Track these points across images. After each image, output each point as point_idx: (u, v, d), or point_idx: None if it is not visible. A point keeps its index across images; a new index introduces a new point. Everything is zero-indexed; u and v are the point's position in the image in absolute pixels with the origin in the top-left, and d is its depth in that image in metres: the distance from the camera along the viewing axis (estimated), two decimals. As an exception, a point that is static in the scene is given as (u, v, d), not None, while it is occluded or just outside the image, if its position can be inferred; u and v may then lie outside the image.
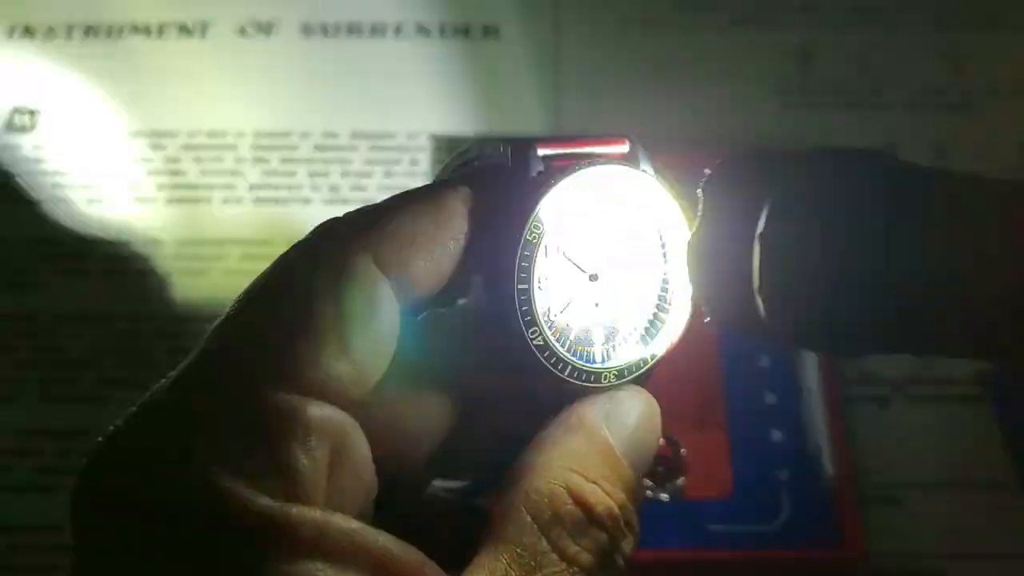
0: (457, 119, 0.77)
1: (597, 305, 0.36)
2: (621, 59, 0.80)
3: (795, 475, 0.60)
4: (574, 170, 0.35)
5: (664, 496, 0.39)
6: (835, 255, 0.30)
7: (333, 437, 0.31)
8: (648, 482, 0.39)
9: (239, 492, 0.29)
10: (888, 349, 0.31)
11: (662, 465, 0.39)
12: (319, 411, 0.31)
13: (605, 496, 0.33)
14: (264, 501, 0.29)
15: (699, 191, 0.34)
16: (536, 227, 0.34)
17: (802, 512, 0.59)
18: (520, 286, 0.34)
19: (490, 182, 0.35)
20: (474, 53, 0.80)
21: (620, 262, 0.36)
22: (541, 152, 0.35)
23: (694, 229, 0.34)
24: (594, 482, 0.33)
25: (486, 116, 0.77)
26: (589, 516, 0.33)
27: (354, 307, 0.32)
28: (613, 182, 0.35)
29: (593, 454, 0.34)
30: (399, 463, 0.35)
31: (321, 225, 0.34)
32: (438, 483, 0.39)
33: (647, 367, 0.36)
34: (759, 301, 0.32)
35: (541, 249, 0.34)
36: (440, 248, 0.34)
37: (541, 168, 0.35)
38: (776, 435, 0.61)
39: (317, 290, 0.32)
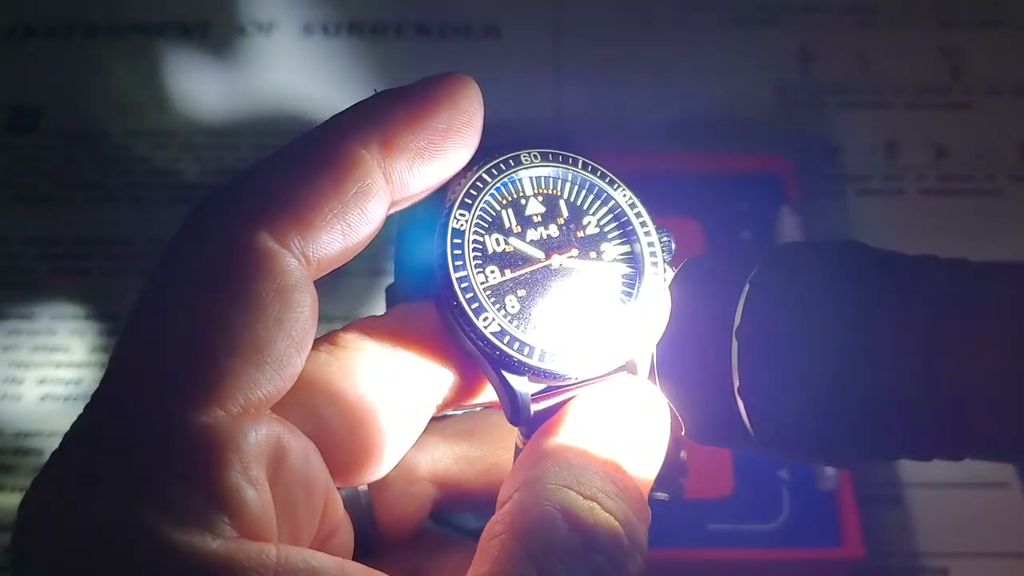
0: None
1: (563, 287, 0.32)
2: (621, 59, 0.79)
3: (795, 475, 0.60)
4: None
5: (664, 496, 0.39)
6: (822, 349, 0.27)
7: (271, 453, 0.27)
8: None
9: (181, 538, 0.25)
10: (883, 454, 0.28)
11: (662, 465, 0.39)
12: (253, 435, 0.27)
13: (605, 515, 0.28)
14: (215, 544, 0.25)
15: (667, 289, 0.31)
16: (462, 214, 0.32)
17: (802, 512, 0.59)
18: (458, 274, 0.31)
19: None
20: (474, 53, 0.80)
21: (576, 238, 0.33)
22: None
23: (662, 333, 0.30)
24: (592, 498, 0.28)
25: (486, 116, 0.77)
26: (587, 540, 0.28)
27: (262, 301, 0.27)
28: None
29: (590, 465, 0.29)
30: (365, 468, 0.31)
31: (202, 203, 0.28)
32: (439, 515, 0.36)
33: (639, 353, 0.32)
34: (740, 403, 0.29)
35: (482, 233, 0.32)
36: (350, 206, 0.29)
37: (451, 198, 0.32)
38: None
39: (217, 288, 0.27)
